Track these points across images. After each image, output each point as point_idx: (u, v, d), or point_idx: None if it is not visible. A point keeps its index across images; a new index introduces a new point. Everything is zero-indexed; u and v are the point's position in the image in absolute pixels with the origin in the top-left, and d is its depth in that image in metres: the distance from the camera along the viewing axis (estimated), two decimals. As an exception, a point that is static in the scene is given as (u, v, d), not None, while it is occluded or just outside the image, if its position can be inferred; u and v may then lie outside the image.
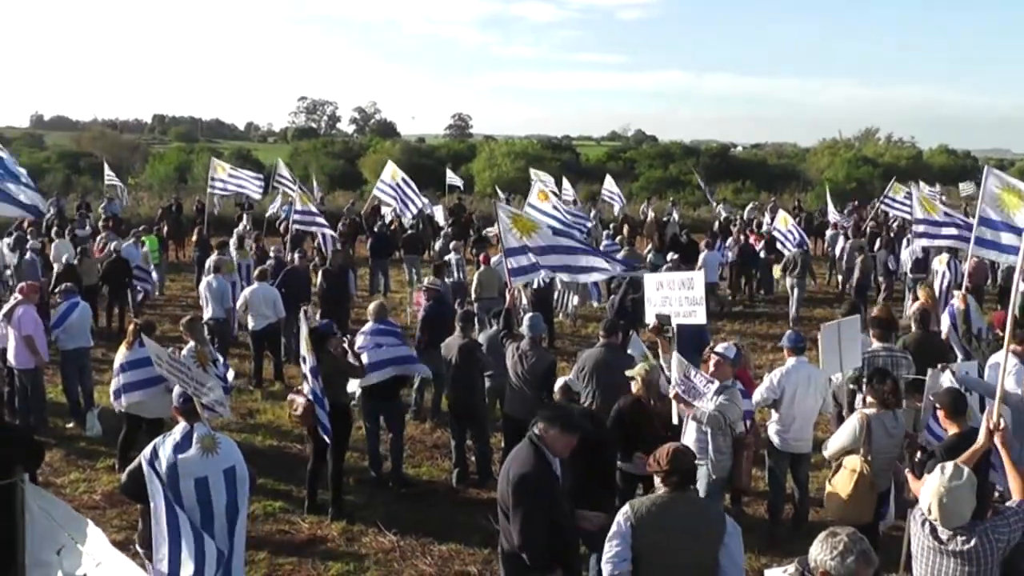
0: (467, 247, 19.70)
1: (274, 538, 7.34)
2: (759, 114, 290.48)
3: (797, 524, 7.41)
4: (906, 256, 16.48)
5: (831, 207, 23.61)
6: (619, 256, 15.77)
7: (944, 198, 32.38)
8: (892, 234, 19.92)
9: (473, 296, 13.69)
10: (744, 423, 7.06)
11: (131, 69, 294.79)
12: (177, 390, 5.47)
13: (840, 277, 19.15)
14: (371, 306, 9.16)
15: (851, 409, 7.41)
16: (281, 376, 12.03)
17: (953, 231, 12.28)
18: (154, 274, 16.95)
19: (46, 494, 3.95)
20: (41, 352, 9.64)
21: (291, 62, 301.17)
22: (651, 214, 25.91)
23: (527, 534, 4.57)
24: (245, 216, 22.47)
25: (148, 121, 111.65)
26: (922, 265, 15.77)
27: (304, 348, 7.50)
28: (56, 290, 10.85)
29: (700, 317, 8.04)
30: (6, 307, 9.84)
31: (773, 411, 7.39)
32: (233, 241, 16.09)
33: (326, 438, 7.37)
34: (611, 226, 21.33)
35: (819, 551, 3.43)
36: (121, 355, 8.66)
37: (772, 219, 21.37)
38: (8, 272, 15.03)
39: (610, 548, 4.25)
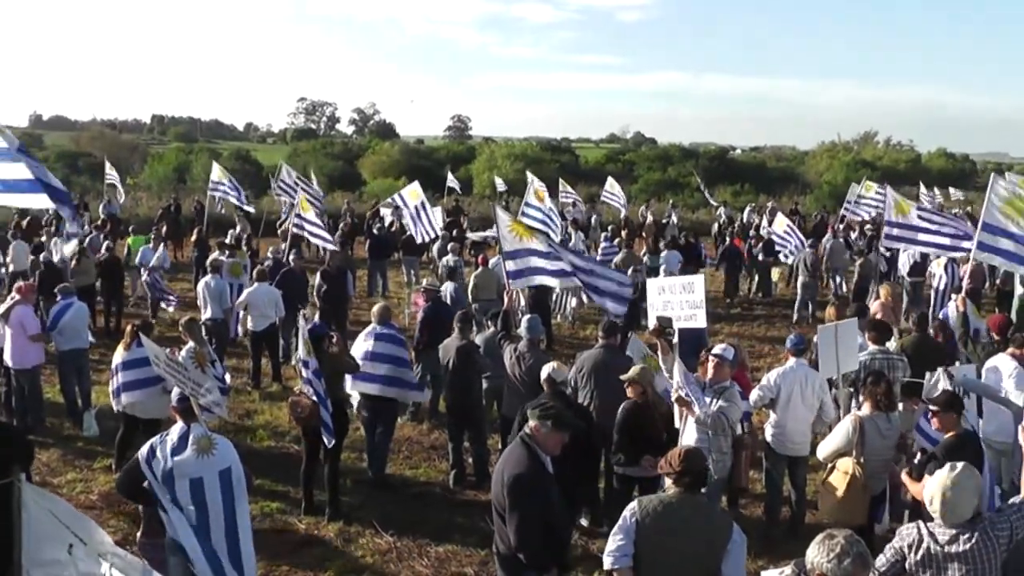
0: (465, 249, 19.70)
1: (271, 539, 7.32)
2: (758, 115, 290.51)
3: (794, 526, 7.41)
4: (904, 259, 16.50)
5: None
6: (617, 258, 15.88)
7: (942, 201, 32.51)
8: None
9: (470, 298, 13.69)
10: (742, 424, 7.10)
11: (130, 69, 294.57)
12: (176, 390, 5.47)
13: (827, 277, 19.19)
14: (375, 308, 9.17)
15: (848, 412, 7.43)
16: (279, 377, 12.03)
17: (929, 237, 12.00)
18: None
19: (47, 493, 3.96)
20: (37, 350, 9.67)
21: (290, 63, 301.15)
22: (650, 216, 25.96)
23: (523, 535, 4.58)
24: (240, 218, 22.44)
25: (147, 121, 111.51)
26: (920, 268, 15.78)
27: (303, 352, 7.51)
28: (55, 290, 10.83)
29: (700, 320, 8.08)
30: (3, 307, 9.84)
31: (771, 413, 7.40)
32: (228, 242, 16.10)
33: (327, 439, 7.38)
34: (609, 228, 21.36)
35: (816, 553, 3.44)
36: (119, 355, 8.66)
37: (770, 222, 21.41)
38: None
39: (613, 542, 4.29)
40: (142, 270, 15.58)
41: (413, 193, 17.98)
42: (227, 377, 9.22)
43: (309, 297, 13.59)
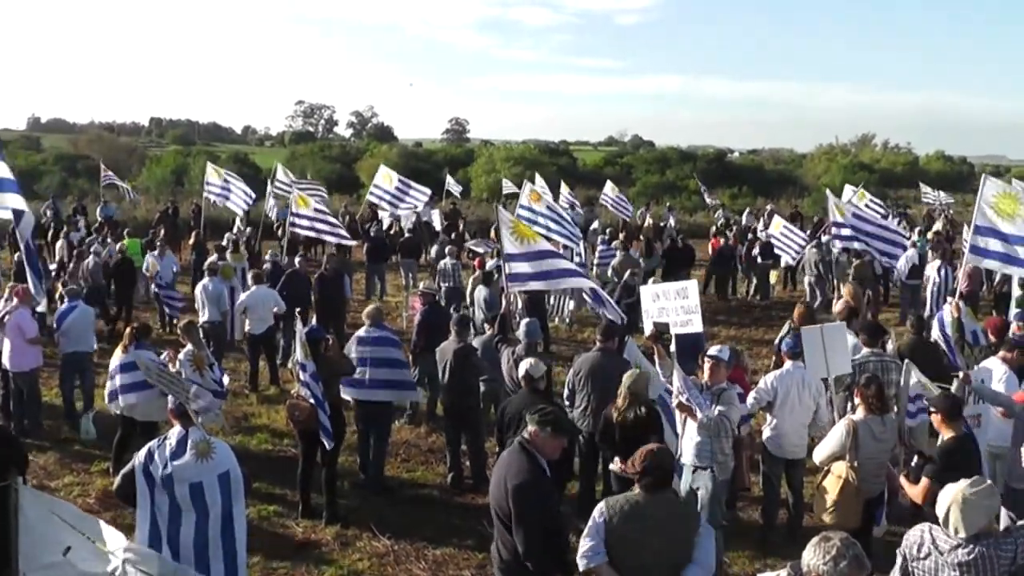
0: (463, 252, 19.69)
1: (268, 542, 7.32)
2: (756, 117, 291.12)
3: (791, 529, 7.42)
4: (902, 263, 16.51)
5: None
6: (614, 261, 15.90)
7: (943, 202, 32.56)
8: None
9: (468, 301, 13.70)
10: (738, 427, 7.10)
11: (128, 72, 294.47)
12: (172, 394, 5.49)
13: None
14: (367, 310, 9.17)
15: (843, 415, 7.43)
16: (277, 380, 12.02)
17: (865, 237, 14.02)
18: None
19: (49, 496, 3.96)
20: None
21: (288, 65, 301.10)
22: (649, 219, 25.95)
23: (531, 544, 4.57)
24: (239, 220, 22.42)
25: (145, 124, 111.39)
26: (918, 271, 15.79)
27: (301, 355, 7.52)
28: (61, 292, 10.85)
29: (696, 325, 8.10)
30: (1, 311, 9.84)
31: (768, 416, 7.41)
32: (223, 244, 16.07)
33: (326, 442, 7.39)
34: (607, 231, 21.36)
35: (812, 556, 3.44)
36: (116, 358, 8.68)
37: (767, 225, 21.42)
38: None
39: (585, 543, 4.35)
40: (151, 281, 15.47)
41: (386, 177, 17.84)
42: (225, 380, 9.22)
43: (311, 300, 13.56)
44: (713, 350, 6.92)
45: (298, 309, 9.63)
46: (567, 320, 15.95)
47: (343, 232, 16.24)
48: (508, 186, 32.54)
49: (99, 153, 44.61)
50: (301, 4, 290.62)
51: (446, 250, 16.56)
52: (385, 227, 21.73)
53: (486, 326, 9.74)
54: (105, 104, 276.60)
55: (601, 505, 4.45)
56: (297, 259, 14.21)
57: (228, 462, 5.20)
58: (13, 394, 9.92)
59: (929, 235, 19.72)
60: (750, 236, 21.12)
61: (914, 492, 5.86)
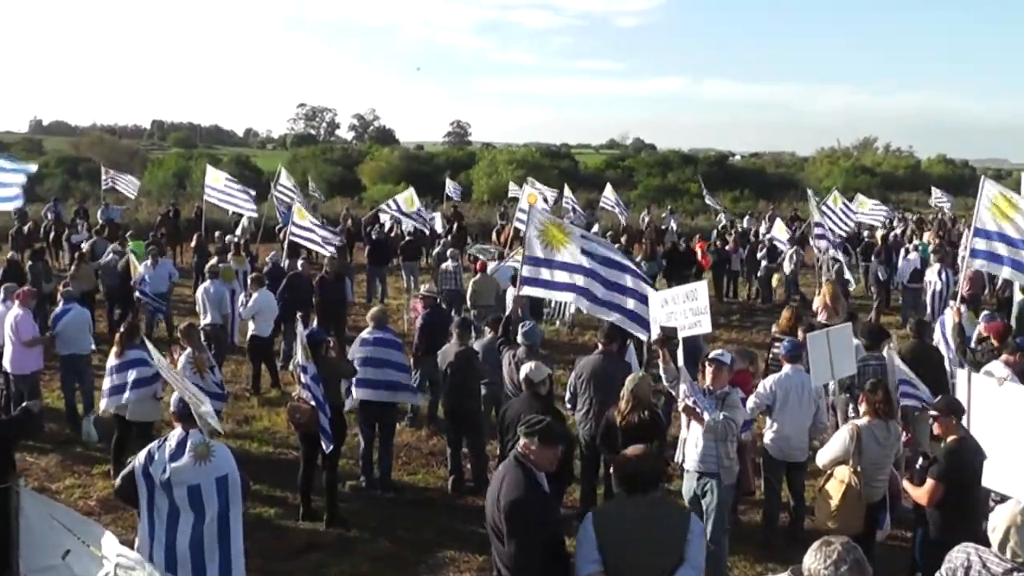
0: (464, 254, 19.71)
1: (269, 545, 7.31)
2: (758, 120, 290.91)
3: (793, 533, 7.41)
4: (904, 266, 16.51)
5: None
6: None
7: (950, 205, 32.56)
8: (887, 244, 19.92)
9: (469, 303, 13.70)
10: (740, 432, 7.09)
11: (130, 74, 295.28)
12: (175, 395, 5.48)
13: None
14: (371, 312, 9.17)
15: (846, 419, 7.43)
16: (278, 383, 12.01)
17: (820, 231, 16.17)
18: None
19: (48, 500, 3.97)
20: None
21: (290, 68, 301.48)
22: (646, 218, 25.99)
23: (522, 563, 4.49)
24: (243, 222, 22.42)
25: (147, 127, 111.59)
26: (919, 275, 15.79)
27: (302, 357, 7.52)
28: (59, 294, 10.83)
29: (706, 326, 8.05)
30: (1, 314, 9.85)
31: (768, 419, 7.40)
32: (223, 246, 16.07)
33: (326, 445, 7.38)
34: (608, 234, 21.36)
35: (813, 560, 3.42)
36: (112, 359, 8.69)
37: (769, 228, 21.41)
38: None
39: (579, 553, 4.31)
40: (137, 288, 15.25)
41: (408, 200, 17.98)
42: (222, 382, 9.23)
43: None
44: (714, 354, 6.91)
45: (303, 312, 9.63)
46: (567, 323, 15.94)
47: (336, 241, 16.46)
48: (513, 190, 32.57)
49: (101, 156, 44.73)
50: (301, 7, 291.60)
51: (448, 253, 16.57)
52: (386, 230, 21.72)
53: (487, 328, 9.70)
54: (107, 107, 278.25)
55: (589, 514, 4.43)
56: (300, 262, 14.17)
57: (227, 466, 5.19)
58: (14, 397, 9.92)
59: (927, 236, 19.76)
60: (752, 240, 21.13)
61: (918, 494, 5.86)
